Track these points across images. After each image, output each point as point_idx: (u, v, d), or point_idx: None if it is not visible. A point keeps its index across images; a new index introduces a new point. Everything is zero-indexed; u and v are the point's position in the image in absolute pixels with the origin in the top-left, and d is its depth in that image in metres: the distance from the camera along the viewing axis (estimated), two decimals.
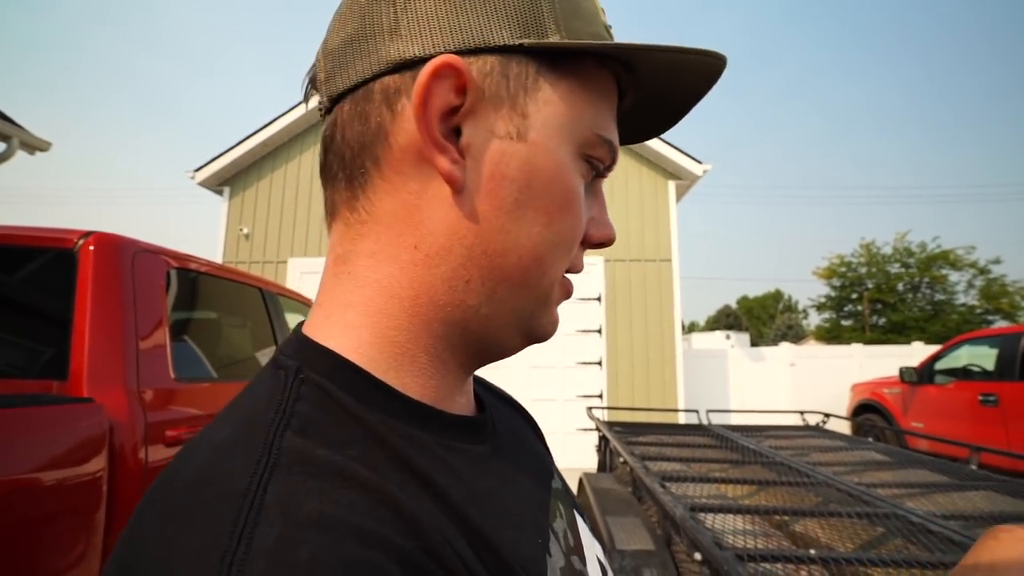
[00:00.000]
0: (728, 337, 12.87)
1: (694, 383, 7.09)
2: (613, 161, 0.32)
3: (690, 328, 35.92)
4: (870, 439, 3.35)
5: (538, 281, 0.30)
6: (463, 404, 0.33)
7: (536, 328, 0.32)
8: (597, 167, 0.31)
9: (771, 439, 3.12)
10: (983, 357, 4.74)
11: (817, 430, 3.42)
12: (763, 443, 2.92)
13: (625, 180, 5.87)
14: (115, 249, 1.48)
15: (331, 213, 0.32)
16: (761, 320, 36.64)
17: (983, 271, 19.78)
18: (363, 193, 0.29)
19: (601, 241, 0.33)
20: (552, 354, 5.56)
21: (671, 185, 5.79)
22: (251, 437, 0.22)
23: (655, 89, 0.32)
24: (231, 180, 6.65)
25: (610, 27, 0.31)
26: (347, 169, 0.29)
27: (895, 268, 22.14)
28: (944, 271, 20.88)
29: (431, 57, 0.26)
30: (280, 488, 0.20)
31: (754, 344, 22.16)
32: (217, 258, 6.39)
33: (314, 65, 0.31)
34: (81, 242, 1.43)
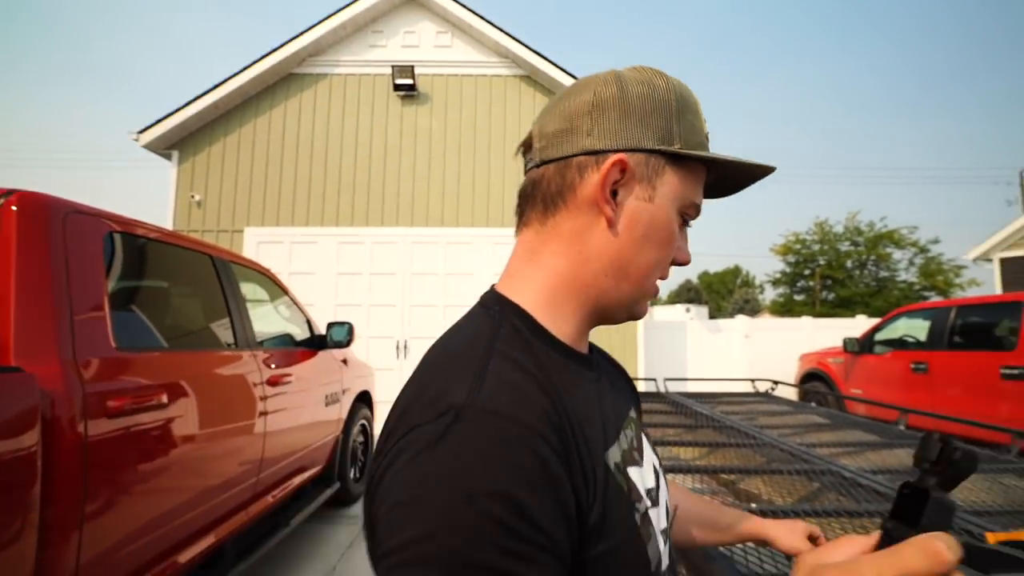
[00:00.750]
0: (688, 310, 13.27)
1: (654, 353, 7.30)
2: (697, 215, 0.52)
3: (653, 302, 36.70)
4: (813, 404, 3.55)
5: (644, 283, 0.50)
6: (583, 347, 0.52)
7: (636, 310, 0.52)
8: (686, 219, 0.51)
9: (723, 405, 3.26)
10: (917, 329, 5.06)
11: (766, 396, 3.60)
12: (716, 409, 3.06)
13: None
14: (42, 210, 1.37)
15: (524, 222, 0.52)
16: (720, 294, 37.86)
17: (923, 250, 20.98)
18: (552, 217, 0.49)
19: (682, 262, 0.53)
20: None
21: None
22: (480, 341, 0.44)
23: (727, 175, 0.53)
24: (180, 144, 6.27)
25: (708, 134, 0.51)
26: (545, 201, 0.49)
27: (845, 246, 23.19)
28: (889, 249, 22.03)
29: (610, 151, 0.46)
30: (495, 365, 0.41)
31: (712, 317, 22.91)
32: (168, 226, 6.07)
33: (529, 137, 0.51)
34: (2, 201, 1.32)
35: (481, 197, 6.12)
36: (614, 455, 0.45)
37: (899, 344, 5.18)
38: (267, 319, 3.18)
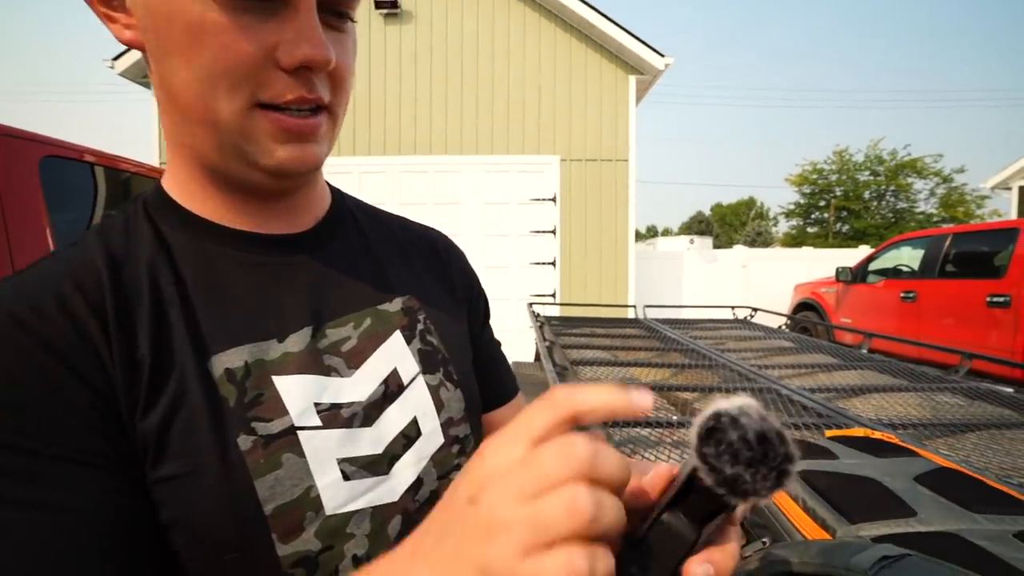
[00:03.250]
0: (692, 242, 13.14)
1: (650, 283, 7.32)
2: None
3: (663, 233, 36.38)
4: (783, 328, 3.58)
5: (213, 116, 0.33)
6: (276, 224, 0.41)
7: (257, 160, 0.36)
8: None
9: (697, 331, 3.31)
10: (912, 257, 4.97)
11: (743, 323, 3.64)
12: (688, 334, 3.11)
13: (584, 73, 5.56)
14: None
15: None
16: (733, 227, 37.19)
17: (947, 179, 20.13)
18: None
19: (298, 64, 0.33)
20: (507, 255, 5.61)
21: (632, 80, 5.51)
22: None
23: None
24: None
25: None
26: None
27: (865, 176, 22.32)
28: (910, 179, 21.17)
29: None
30: (64, 250, 0.37)
31: (718, 248, 22.74)
32: (153, 162, 6.00)
33: None
34: None
35: (469, 123, 5.92)
36: (235, 358, 0.35)
37: (892, 273, 5.12)
38: None
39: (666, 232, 39.36)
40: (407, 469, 0.39)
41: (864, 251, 8.64)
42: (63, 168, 1.68)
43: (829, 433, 0.72)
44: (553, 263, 5.63)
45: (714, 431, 0.20)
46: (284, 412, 0.35)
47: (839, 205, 22.92)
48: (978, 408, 1.60)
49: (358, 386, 0.39)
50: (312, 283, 0.41)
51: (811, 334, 5.21)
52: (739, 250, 8.56)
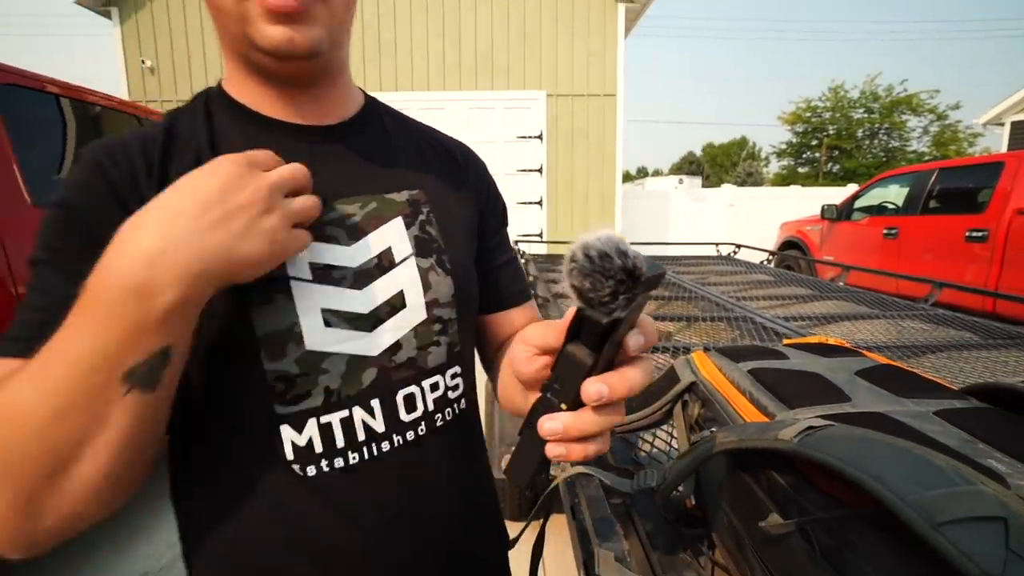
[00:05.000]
0: (681, 181, 13.02)
1: (638, 223, 7.32)
2: None
3: (653, 174, 35.91)
4: (763, 262, 3.65)
5: (218, 4, 0.41)
6: (308, 115, 0.48)
7: (256, 42, 0.41)
8: None
9: (681, 266, 3.36)
10: (898, 195, 4.99)
11: (726, 259, 3.68)
12: (672, 269, 3.16)
13: (571, 1, 5.27)
14: None
15: None
16: (724, 168, 36.73)
17: (941, 116, 19.82)
18: None
19: None
20: None
21: (621, 8, 5.24)
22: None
23: None
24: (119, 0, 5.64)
25: None
26: None
27: (859, 113, 21.88)
28: (905, 117, 20.81)
29: None
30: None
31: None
32: (123, 96, 5.70)
33: None
34: None
35: (452, 57, 5.66)
36: None
37: (877, 210, 5.15)
38: None
39: (656, 173, 38.82)
40: (388, 332, 0.45)
41: (852, 189, 8.63)
42: (25, 98, 1.61)
43: (787, 341, 0.75)
44: (540, 202, 5.58)
45: (572, 259, 0.24)
46: (282, 264, 0.41)
47: (831, 144, 22.62)
48: (942, 332, 1.67)
49: (353, 255, 0.45)
50: (330, 167, 0.47)
51: (794, 270, 5.30)
52: (727, 189, 8.51)
